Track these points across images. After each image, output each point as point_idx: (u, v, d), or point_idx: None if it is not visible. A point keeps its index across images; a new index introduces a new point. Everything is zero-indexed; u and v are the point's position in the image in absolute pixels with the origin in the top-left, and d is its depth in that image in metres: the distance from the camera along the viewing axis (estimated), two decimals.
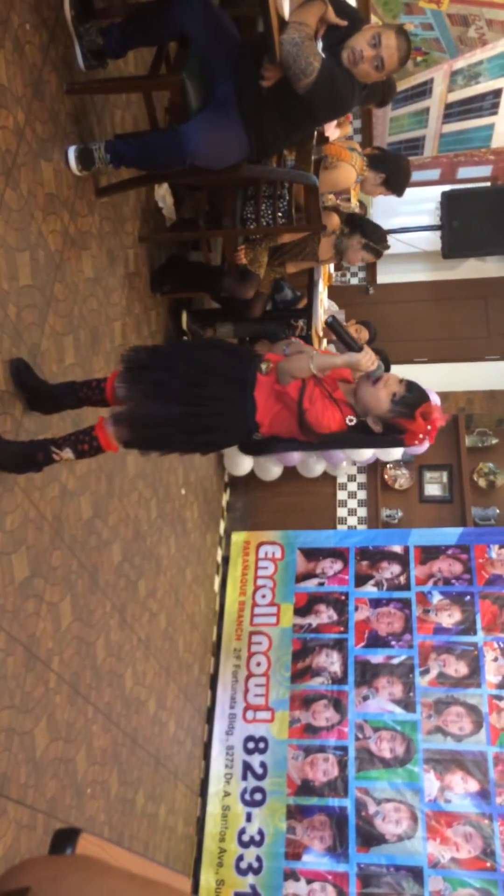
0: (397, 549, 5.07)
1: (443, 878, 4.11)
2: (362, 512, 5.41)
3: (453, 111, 5.65)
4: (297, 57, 2.51)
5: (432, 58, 5.36)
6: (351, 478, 5.51)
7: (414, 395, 2.23)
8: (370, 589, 4.94)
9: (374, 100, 3.80)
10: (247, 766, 4.56)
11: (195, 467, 4.59)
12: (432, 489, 5.49)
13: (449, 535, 5.07)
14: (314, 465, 5.20)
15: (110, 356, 3.08)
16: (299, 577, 5.06)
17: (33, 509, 2.44)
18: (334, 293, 5.56)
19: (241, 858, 4.35)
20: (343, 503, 5.45)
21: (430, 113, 5.70)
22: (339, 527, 5.37)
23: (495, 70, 5.33)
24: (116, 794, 3.23)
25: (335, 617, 4.87)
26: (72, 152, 2.62)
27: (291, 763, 4.49)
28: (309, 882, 4.21)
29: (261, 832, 4.38)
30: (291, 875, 4.24)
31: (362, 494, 5.46)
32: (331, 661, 4.72)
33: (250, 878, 4.28)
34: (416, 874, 4.13)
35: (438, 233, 5.87)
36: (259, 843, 4.36)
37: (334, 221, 3.74)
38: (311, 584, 5.02)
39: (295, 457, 5.05)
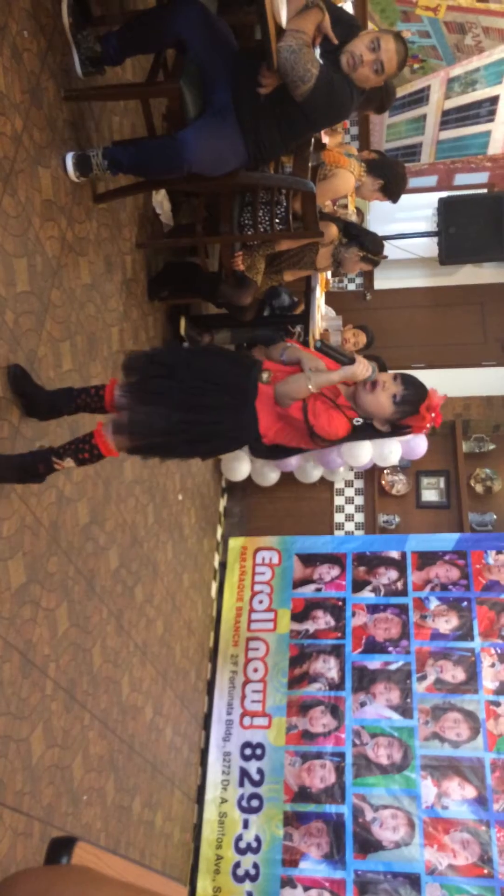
0: (394, 554, 5.06)
1: (440, 885, 4.10)
2: (359, 517, 5.41)
3: (450, 118, 5.67)
4: (295, 64, 2.51)
5: (429, 65, 5.38)
6: (348, 483, 5.51)
7: (414, 391, 2.25)
8: (367, 595, 4.94)
9: (373, 106, 3.81)
10: (244, 773, 4.54)
11: (192, 473, 4.59)
12: (429, 495, 5.49)
13: (446, 540, 5.07)
14: (311, 471, 5.20)
15: (108, 362, 3.08)
16: (296, 582, 5.06)
17: (30, 515, 2.44)
18: (332, 299, 5.57)
19: (237, 865, 4.33)
20: (340, 508, 5.45)
21: (427, 120, 5.72)
22: (337, 532, 5.37)
23: (492, 77, 5.36)
24: (113, 801, 3.22)
25: (332, 623, 4.87)
26: (69, 159, 2.62)
27: (288, 769, 4.48)
28: (306, 889, 4.20)
29: (258, 839, 4.37)
30: (288, 882, 4.23)
31: (359, 500, 5.46)
32: (328, 667, 4.71)
33: (247, 886, 4.27)
34: (414, 881, 4.12)
35: (435, 239, 5.88)
36: (256, 850, 4.34)
37: (332, 231, 3.75)
38: (308, 590, 5.02)
39: (292, 462, 5.05)
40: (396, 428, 2.30)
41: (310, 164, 3.27)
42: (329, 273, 4.07)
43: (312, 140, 3.23)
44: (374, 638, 4.78)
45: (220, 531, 5.33)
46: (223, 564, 5.22)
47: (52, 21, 2.50)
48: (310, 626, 4.88)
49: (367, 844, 4.23)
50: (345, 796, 4.35)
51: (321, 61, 2.61)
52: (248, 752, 4.59)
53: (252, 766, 4.55)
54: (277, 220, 3.42)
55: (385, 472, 5.45)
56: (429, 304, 6.26)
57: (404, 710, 4.53)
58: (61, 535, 2.68)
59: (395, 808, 4.30)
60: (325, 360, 2.33)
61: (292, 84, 2.57)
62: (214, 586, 5.11)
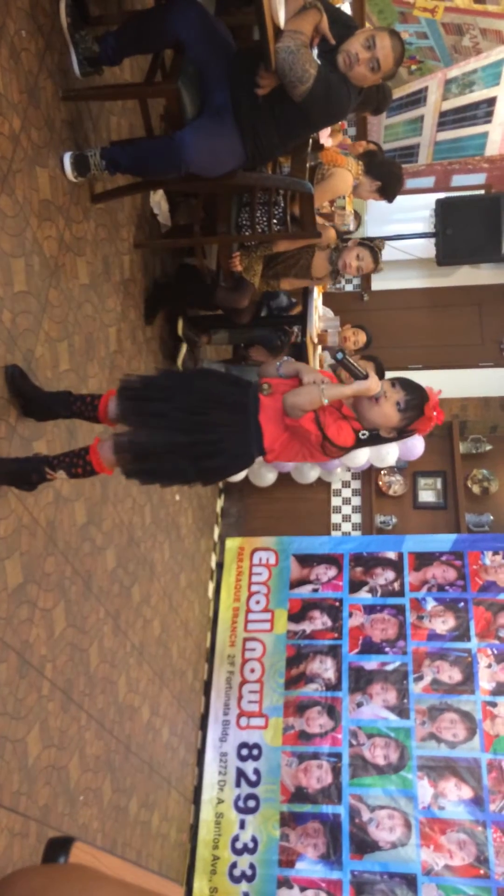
0: (391, 555, 5.07)
1: (436, 886, 4.11)
2: (356, 518, 5.41)
3: (447, 119, 5.68)
4: (293, 64, 2.51)
5: (427, 66, 5.39)
6: (345, 484, 5.51)
7: (416, 395, 2.25)
8: (364, 595, 4.94)
9: (370, 107, 3.82)
10: (240, 773, 4.54)
11: None
12: (426, 495, 5.50)
13: (443, 541, 5.08)
14: (308, 472, 5.20)
15: (105, 362, 3.08)
16: (293, 583, 5.06)
17: (27, 515, 2.44)
18: (329, 300, 5.58)
19: (234, 866, 4.33)
20: (337, 509, 5.45)
21: (424, 121, 5.73)
22: (334, 533, 5.38)
23: (489, 79, 5.37)
24: (109, 801, 3.22)
25: (329, 623, 4.87)
26: (67, 159, 2.62)
27: (285, 770, 4.48)
28: (302, 889, 4.20)
29: (254, 839, 4.37)
30: (285, 882, 4.23)
31: (356, 500, 5.46)
32: (325, 668, 4.71)
33: (244, 886, 4.27)
34: (410, 881, 4.12)
35: (433, 240, 5.90)
36: (253, 851, 4.34)
37: (331, 235, 3.75)
38: (305, 591, 5.02)
39: (289, 463, 5.05)
40: (402, 433, 2.30)
41: (308, 165, 3.28)
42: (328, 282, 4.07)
43: (310, 140, 3.23)
44: (370, 638, 4.78)
45: (217, 531, 5.33)
46: (220, 565, 5.22)
47: (51, 21, 2.50)
48: (307, 627, 4.88)
49: (364, 845, 4.24)
50: (341, 797, 4.35)
51: (319, 62, 2.61)
52: (244, 752, 4.59)
53: (249, 767, 4.55)
54: (275, 221, 3.42)
55: (382, 472, 5.45)
56: (426, 305, 6.27)
57: (401, 710, 4.54)
58: (58, 536, 2.68)
59: (391, 808, 4.30)
60: (323, 372, 2.34)
61: (290, 85, 2.57)
62: (211, 587, 5.11)
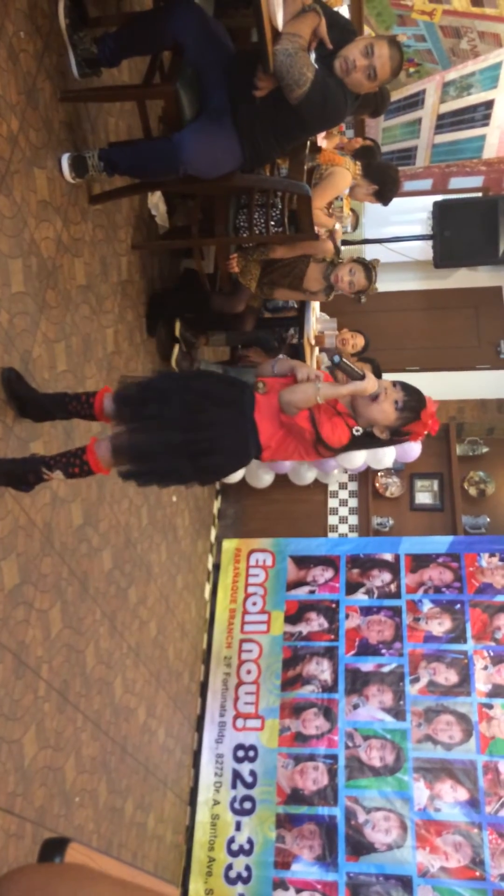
0: (388, 557, 5.07)
1: (432, 888, 4.11)
2: (353, 520, 5.41)
3: (445, 122, 5.69)
4: (291, 67, 2.52)
5: (425, 69, 5.40)
6: (342, 486, 5.52)
7: (414, 397, 2.28)
8: (361, 597, 4.94)
9: (367, 110, 3.83)
10: (236, 775, 4.54)
11: None
12: (423, 497, 5.51)
13: (440, 543, 5.08)
14: (305, 473, 5.20)
15: (102, 363, 3.08)
16: (290, 584, 5.06)
17: (24, 516, 2.44)
18: (326, 302, 5.57)
19: (230, 867, 4.33)
20: (334, 511, 5.46)
21: (422, 123, 5.73)
22: (331, 534, 5.38)
23: (487, 81, 5.38)
24: (105, 802, 3.22)
25: (326, 625, 4.87)
26: (65, 160, 2.63)
27: (281, 771, 4.48)
28: (298, 891, 4.20)
29: (250, 841, 4.36)
30: (280, 884, 4.22)
31: (353, 502, 5.47)
32: (321, 670, 4.71)
33: (239, 888, 4.27)
34: (406, 883, 4.12)
35: (430, 242, 5.89)
36: (248, 852, 4.34)
37: (328, 248, 3.76)
38: (301, 592, 5.02)
39: (286, 464, 5.06)
40: (396, 435, 2.32)
41: (305, 167, 3.29)
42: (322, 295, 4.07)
43: (308, 142, 3.24)
44: (367, 640, 4.78)
45: (213, 533, 5.33)
46: (217, 566, 5.22)
47: (49, 22, 2.51)
48: (303, 629, 4.88)
49: (360, 847, 4.24)
50: (337, 798, 4.35)
51: (316, 66, 2.62)
52: (240, 754, 4.59)
53: (245, 769, 4.55)
54: (273, 223, 3.43)
55: (379, 474, 5.46)
56: (423, 308, 6.28)
57: (397, 712, 4.54)
58: (55, 536, 2.68)
59: (387, 810, 4.30)
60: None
61: (287, 87, 2.57)
62: (208, 588, 5.11)
